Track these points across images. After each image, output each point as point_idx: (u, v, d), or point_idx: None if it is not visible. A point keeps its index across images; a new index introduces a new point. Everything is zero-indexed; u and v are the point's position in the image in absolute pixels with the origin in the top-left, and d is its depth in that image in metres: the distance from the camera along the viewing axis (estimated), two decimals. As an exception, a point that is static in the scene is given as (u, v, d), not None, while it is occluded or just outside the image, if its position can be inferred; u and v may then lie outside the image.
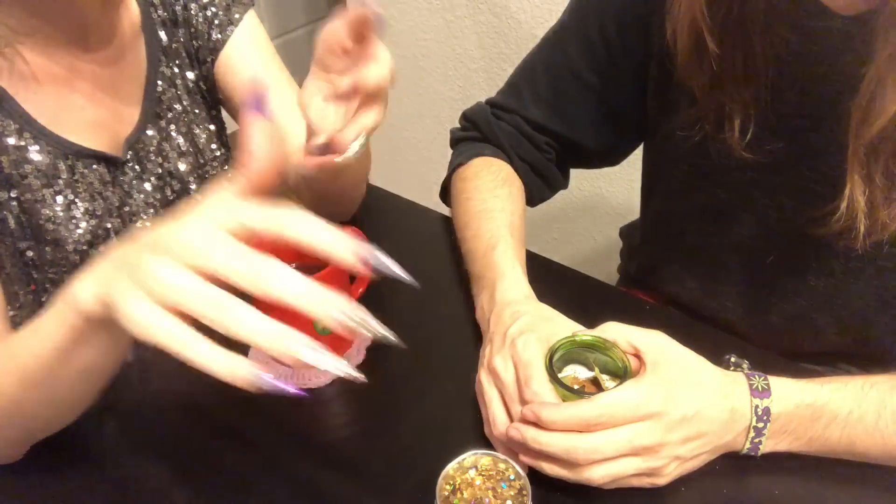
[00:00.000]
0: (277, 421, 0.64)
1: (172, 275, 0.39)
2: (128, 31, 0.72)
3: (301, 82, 0.80)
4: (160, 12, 0.74)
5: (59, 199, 0.67)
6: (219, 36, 0.77)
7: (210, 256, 0.40)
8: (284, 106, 0.81)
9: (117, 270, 0.42)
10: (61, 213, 0.67)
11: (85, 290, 0.43)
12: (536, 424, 0.52)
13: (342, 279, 0.65)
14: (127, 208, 0.72)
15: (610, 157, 0.89)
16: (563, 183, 0.89)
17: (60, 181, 0.66)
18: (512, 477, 0.51)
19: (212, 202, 0.43)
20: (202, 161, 0.80)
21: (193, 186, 0.79)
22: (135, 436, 0.63)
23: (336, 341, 0.67)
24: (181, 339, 0.40)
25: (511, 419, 0.56)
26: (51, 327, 0.46)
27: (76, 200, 0.68)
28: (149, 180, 0.74)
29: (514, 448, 0.54)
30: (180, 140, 0.77)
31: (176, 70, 0.76)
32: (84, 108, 0.68)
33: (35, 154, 0.64)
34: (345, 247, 0.41)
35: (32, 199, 0.65)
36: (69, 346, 0.46)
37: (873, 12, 0.54)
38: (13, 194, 0.64)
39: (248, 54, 0.79)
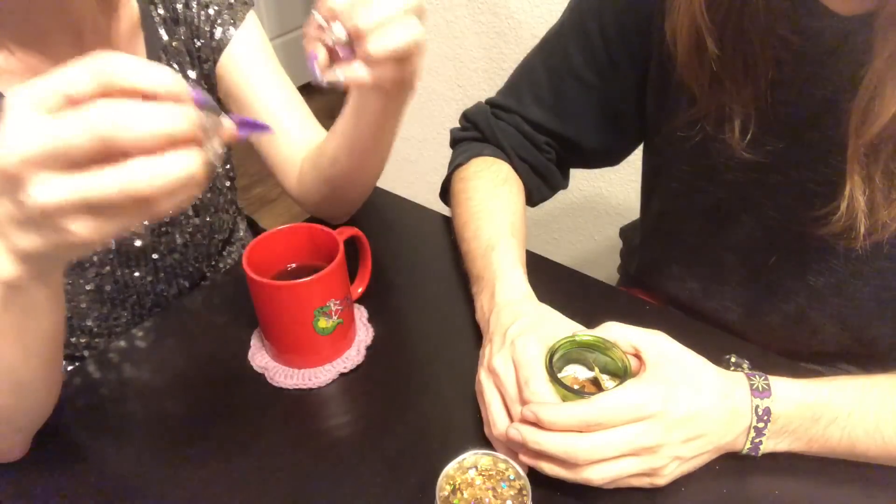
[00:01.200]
0: (277, 420, 0.64)
1: (40, 190, 0.36)
2: (125, 30, 0.71)
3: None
4: (160, 10, 0.74)
5: None
6: (221, 36, 0.77)
7: (46, 141, 0.35)
8: (283, 106, 0.81)
9: None
10: None
11: (1, 263, 0.41)
12: (536, 424, 0.52)
13: (342, 278, 0.65)
14: None
15: (610, 157, 0.89)
16: (563, 183, 0.89)
17: None
18: (512, 477, 0.51)
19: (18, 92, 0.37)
20: (202, 160, 0.80)
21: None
22: (134, 436, 0.63)
23: (335, 341, 0.67)
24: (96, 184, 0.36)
25: (511, 419, 0.56)
26: None
27: None
28: None
29: (514, 448, 0.54)
30: (180, 139, 0.77)
31: (176, 68, 0.76)
32: None
33: None
34: (172, 81, 0.37)
35: None
36: (2, 316, 0.44)
37: (873, 12, 0.54)
38: None
39: (249, 54, 0.79)
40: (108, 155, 0.35)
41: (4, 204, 0.38)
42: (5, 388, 0.51)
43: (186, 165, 0.37)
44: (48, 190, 0.36)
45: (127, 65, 0.36)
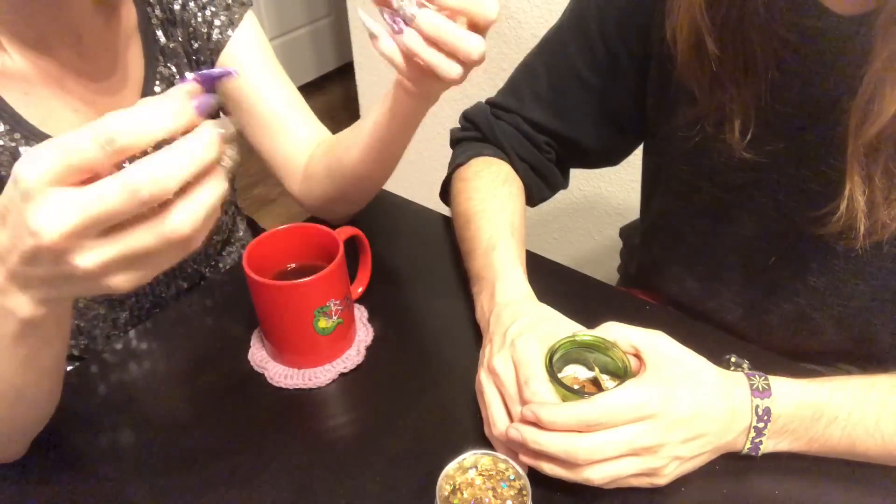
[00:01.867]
0: (277, 421, 0.64)
1: (86, 258, 0.36)
2: (123, 32, 0.71)
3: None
4: (157, 12, 0.74)
5: None
6: (219, 37, 0.77)
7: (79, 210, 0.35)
8: (284, 105, 0.81)
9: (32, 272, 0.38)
10: None
11: (21, 306, 0.41)
12: (536, 424, 0.52)
13: (342, 278, 0.65)
14: None
15: (610, 156, 0.89)
16: (563, 183, 0.89)
17: None
18: (512, 477, 0.51)
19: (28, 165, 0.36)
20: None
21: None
22: (134, 437, 0.63)
23: (336, 341, 0.67)
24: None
25: (511, 419, 0.56)
26: None
27: None
28: None
29: (514, 448, 0.54)
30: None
31: (174, 70, 0.76)
32: (78, 108, 0.68)
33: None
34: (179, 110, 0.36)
35: None
36: (18, 347, 0.44)
37: (873, 12, 0.54)
38: None
39: (248, 55, 0.79)
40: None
41: (43, 267, 0.38)
42: (15, 404, 0.52)
43: (217, 194, 0.37)
44: (92, 256, 0.36)
45: (128, 124, 0.35)
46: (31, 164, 0.35)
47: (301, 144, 0.81)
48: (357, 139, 0.74)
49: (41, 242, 0.36)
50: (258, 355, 0.69)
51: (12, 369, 0.46)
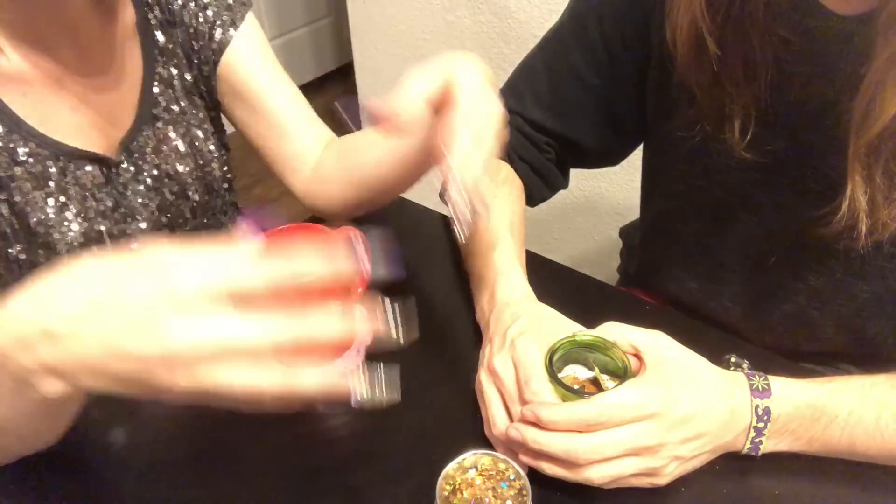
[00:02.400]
0: (277, 421, 0.63)
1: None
2: (122, 33, 0.71)
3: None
4: (157, 12, 0.74)
5: (51, 201, 0.66)
6: (222, 37, 0.77)
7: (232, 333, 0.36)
8: (288, 104, 0.81)
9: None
10: (53, 216, 0.66)
11: (53, 388, 0.39)
12: (536, 424, 0.52)
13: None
14: (122, 210, 0.72)
15: (610, 157, 0.89)
16: (563, 183, 0.89)
17: (51, 183, 0.66)
18: (512, 477, 0.51)
19: (196, 259, 0.37)
20: (202, 162, 0.80)
21: (192, 188, 0.79)
22: (133, 438, 0.63)
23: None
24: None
25: (511, 419, 0.56)
26: (13, 402, 0.42)
27: (68, 202, 0.67)
28: (144, 182, 0.74)
29: (514, 448, 0.54)
30: (179, 142, 0.77)
31: (173, 70, 0.76)
32: (76, 109, 0.68)
33: (24, 156, 0.64)
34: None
35: (23, 201, 0.65)
36: (37, 412, 0.44)
37: (873, 12, 0.54)
38: (3, 197, 0.64)
39: (250, 55, 0.79)
40: None
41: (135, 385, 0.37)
42: (27, 445, 0.53)
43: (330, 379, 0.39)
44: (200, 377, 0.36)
45: (297, 267, 0.38)
46: (188, 269, 0.35)
47: (307, 143, 0.81)
48: (389, 154, 0.71)
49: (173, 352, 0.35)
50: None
51: (31, 425, 0.47)
